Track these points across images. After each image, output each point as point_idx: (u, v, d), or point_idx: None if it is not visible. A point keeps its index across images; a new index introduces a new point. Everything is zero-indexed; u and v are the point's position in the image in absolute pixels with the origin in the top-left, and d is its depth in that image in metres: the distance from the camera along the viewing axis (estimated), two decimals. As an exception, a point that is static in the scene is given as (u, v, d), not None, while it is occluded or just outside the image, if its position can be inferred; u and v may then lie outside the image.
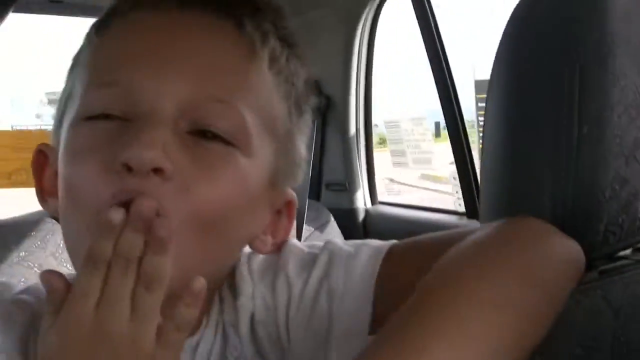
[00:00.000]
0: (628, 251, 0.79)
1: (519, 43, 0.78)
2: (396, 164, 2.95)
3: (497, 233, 0.73)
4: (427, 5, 2.26)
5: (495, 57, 0.80)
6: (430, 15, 2.26)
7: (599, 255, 0.74)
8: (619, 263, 0.76)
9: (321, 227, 2.46)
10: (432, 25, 2.27)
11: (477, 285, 0.66)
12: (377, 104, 2.72)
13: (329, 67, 2.65)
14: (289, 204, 0.82)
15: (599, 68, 0.71)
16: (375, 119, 2.75)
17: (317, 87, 2.65)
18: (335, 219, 2.55)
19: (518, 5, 0.79)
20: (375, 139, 2.81)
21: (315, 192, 2.73)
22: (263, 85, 0.76)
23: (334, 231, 2.48)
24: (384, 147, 3.22)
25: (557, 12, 0.74)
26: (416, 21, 2.31)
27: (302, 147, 0.83)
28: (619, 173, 0.71)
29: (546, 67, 0.74)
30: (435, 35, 2.26)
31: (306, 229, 2.37)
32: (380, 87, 2.92)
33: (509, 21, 0.79)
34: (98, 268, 0.62)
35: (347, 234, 2.51)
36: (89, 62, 0.77)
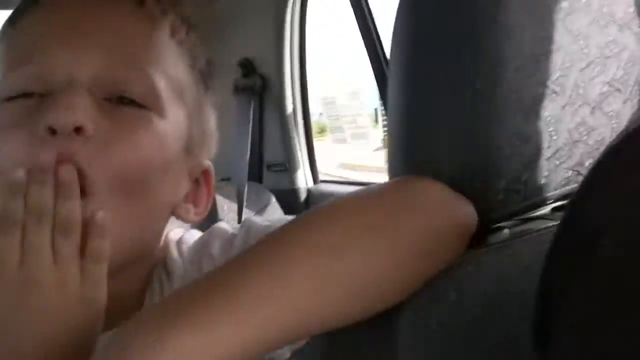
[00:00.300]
0: (547, 210, 0.78)
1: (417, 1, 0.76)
2: (336, 141, 2.94)
3: (375, 188, 0.73)
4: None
5: (396, 16, 0.78)
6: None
7: (503, 214, 0.72)
8: (531, 224, 0.75)
9: (262, 209, 2.43)
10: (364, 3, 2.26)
11: (319, 229, 0.65)
12: (313, 81, 2.70)
13: (262, 46, 2.61)
14: (205, 172, 0.87)
15: (492, 21, 0.69)
16: (312, 97, 2.72)
17: (252, 67, 2.65)
18: (277, 200, 2.53)
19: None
20: (314, 128, 2.79)
21: (256, 174, 2.70)
22: (168, 52, 0.81)
23: (275, 213, 2.46)
24: (323, 136, 3.22)
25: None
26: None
27: (212, 120, 0.88)
28: (519, 129, 0.69)
29: (442, 24, 0.72)
30: (367, 11, 2.25)
31: (247, 212, 2.35)
32: (316, 64, 2.91)
33: None
34: (13, 226, 0.66)
35: (290, 214, 2.48)
36: (5, 52, 0.81)
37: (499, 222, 0.73)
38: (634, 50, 0.81)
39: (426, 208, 0.68)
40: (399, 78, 0.76)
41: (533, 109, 0.70)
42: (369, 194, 0.71)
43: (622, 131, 0.50)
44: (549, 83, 0.71)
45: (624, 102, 0.81)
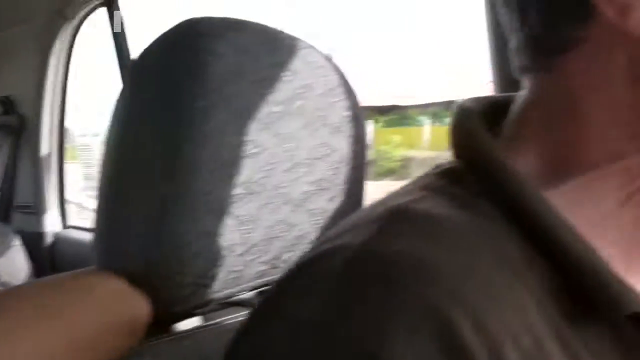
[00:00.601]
0: (247, 295, 0.82)
1: (136, 95, 0.78)
2: (86, 188, 2.91)
3: (56, 279, 0.74)
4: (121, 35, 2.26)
5: (113, 108, 0.79)
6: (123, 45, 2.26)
7: (190, 306, 0.75)
8: (223, 312, 0.78)
9: (4, 250, 2.36)
10: (126, 53, 2.27)
11: None
12: (72, 124, 2.67)
13: (24, 86, 2.56)
14: None
15: (190, 127, 0.72)
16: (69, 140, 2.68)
17: (11, 106, 2.58)
18: (24, 242, 2.46)
19: (139, 56, 0.79)
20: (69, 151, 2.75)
21: (3, 214, 2.62)
22: None
23: (18, 255, 2.39)
24: (77, 159, 3.17)
25: (168, 67, 0.75)
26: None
27: None
28: (209, 229, 0.72)
29: (148, 124, 0.74)
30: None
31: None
32: (77, 108, 2.86)
33: (131, 71, 0.79)
34: None
35: (35, 258, 2.44)
36: None
37: (186, 313, 0.76)
38: (345, 152, 0.87)
39: (98, 302, 0.71)
40: (104, 168, 0.77)
41: (226, 209, 0.73)
42: (47, 285, 0.72)
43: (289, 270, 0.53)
44: (248, 184, 0.75)
45: (330, 199, 0.86)
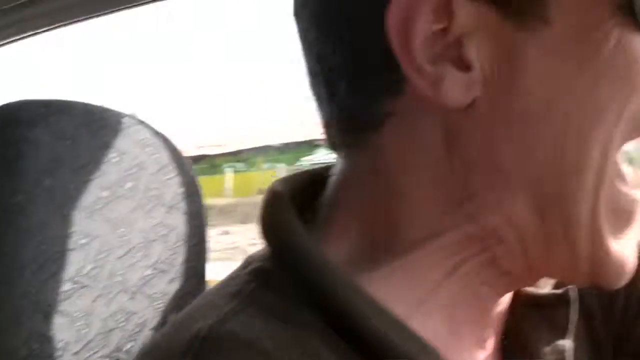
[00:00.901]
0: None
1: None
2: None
3: None
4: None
5: None
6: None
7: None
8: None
9: None
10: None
11: None
12: None
13: None
14: None
15: (10, 225, 0.67)
16: None
17: None
18: None
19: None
20: None
21: None
22: None
23: None
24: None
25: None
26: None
27: None
28: (38, 330, 0.68)
29: None
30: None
31: None
32: None
33: None
34: None
35: None
36: None
37: None
38: (182, 230, 0.84)
39: None
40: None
41: (55, 307, 0.69)
42: None
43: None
44: (78, 278, 0.71)
45: (170, 281, 0.83)
